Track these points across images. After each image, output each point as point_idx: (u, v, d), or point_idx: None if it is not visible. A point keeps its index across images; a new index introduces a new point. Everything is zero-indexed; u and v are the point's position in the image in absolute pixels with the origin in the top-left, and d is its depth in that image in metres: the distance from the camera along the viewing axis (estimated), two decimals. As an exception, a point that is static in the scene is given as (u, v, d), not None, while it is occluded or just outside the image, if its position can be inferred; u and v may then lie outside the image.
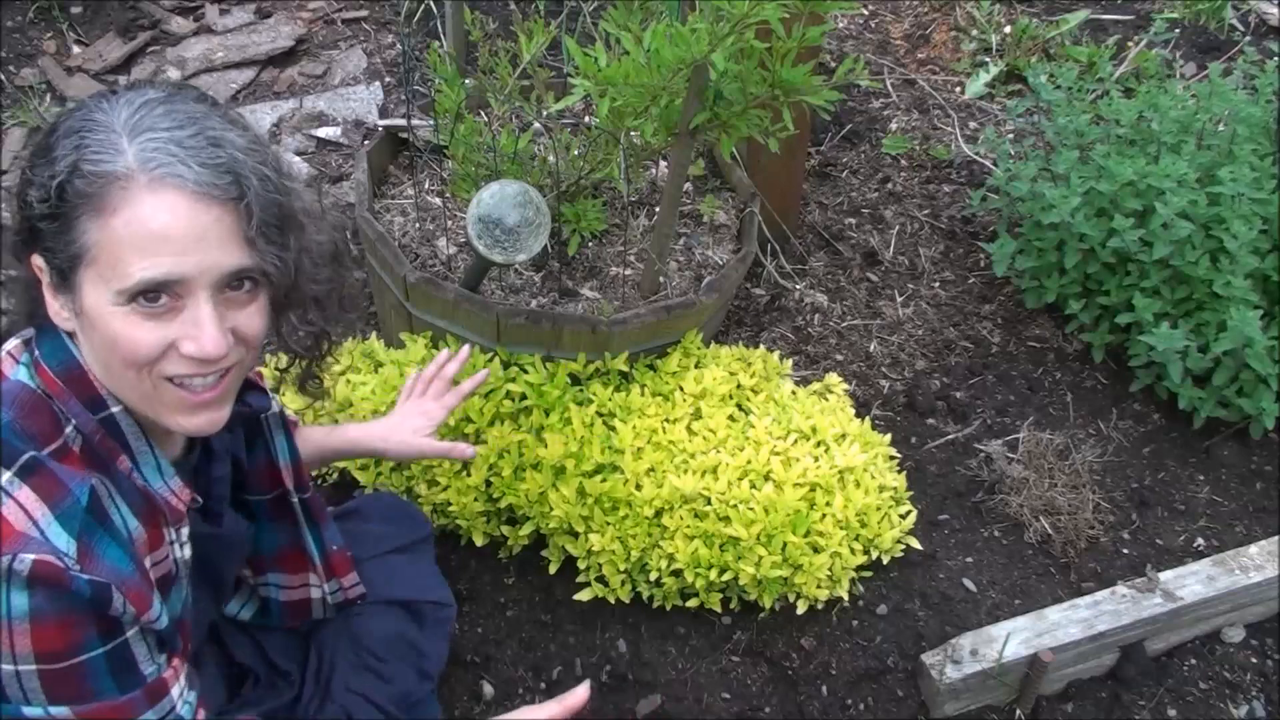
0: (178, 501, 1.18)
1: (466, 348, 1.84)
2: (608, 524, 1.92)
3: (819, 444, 2.05)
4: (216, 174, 1.03)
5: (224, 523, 1.32)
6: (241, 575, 1.50)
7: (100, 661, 1.05)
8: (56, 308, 1.10)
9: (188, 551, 1.22)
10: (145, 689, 1.10)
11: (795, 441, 2.04)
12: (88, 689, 1.05)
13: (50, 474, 1.04)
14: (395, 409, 1.76)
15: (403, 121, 2.39)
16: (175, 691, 1.14)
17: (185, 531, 1.21)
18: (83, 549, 1.03)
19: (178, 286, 1.04)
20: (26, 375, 1.11)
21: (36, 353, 1.11)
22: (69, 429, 1.09)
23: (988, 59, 3.44)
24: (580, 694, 1.33)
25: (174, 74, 3.27)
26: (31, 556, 0.99)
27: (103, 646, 1.05)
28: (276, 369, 1.36)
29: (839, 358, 2.50)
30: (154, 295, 1.04)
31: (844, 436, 2.09)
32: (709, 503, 1.92)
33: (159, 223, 1.02)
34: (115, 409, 1.12)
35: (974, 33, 3.52)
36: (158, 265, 1.02)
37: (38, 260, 1.09)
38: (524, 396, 2.02)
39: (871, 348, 2.53)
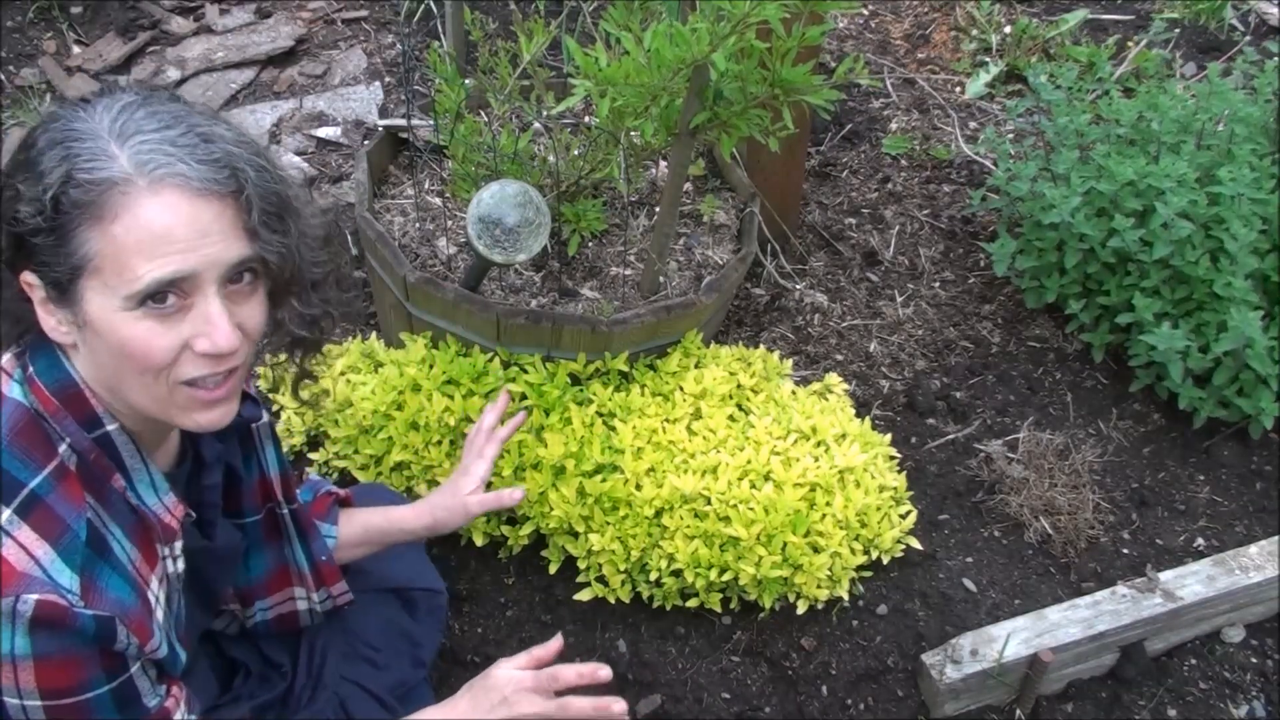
0: (171, 518, 1.18)
1: (505, 396, 1.80)
2: (608, 524, 1.92)
3: (819, 444, 2.05)
4: (214, 169, 1.04)
5: (216, 535, 1.32)
6: (230, 608, 1.50)
7: (105, 698, 1.06)
8: (53, 323, 1.08)
9: (180, 565, 1.22)
10: None
11: (795, 441, 2.04)
12: None
13: (49, 509, 1.04)
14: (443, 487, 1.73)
15: (403, 121, 2.39)
16: (178, 718, 1.15)
17: (179, 546, 1.21)
18: (85, 583, 1.03)
19: (185, 284, 1.04)
20: (20, 393, 1.09)
21: (30, 370, 1.09)
22: (63, 448, 1.08)
23: (988, 59, 3.44)
24: (552, 646, 1.37)
25: (174, 74, 3.27)
26: (35, 597, 0.99)
27: (108, 684, 1.06)
28: (272, 367, 1.35)
29: (839, 358, 2.50)
30: (162, 296, 1.03)
31: (844, 436, 2.09)
32: (709, 503, 1.92)
33: (162, 223, 1.01)
34: (111, 427, 1.11)
35: (974, 33, 3.52)
36: (165, 265, 1.02)
37: (29, 277, 1.06)
38: (524, 396, 2.02)
39: (871, 348, 2.53)
